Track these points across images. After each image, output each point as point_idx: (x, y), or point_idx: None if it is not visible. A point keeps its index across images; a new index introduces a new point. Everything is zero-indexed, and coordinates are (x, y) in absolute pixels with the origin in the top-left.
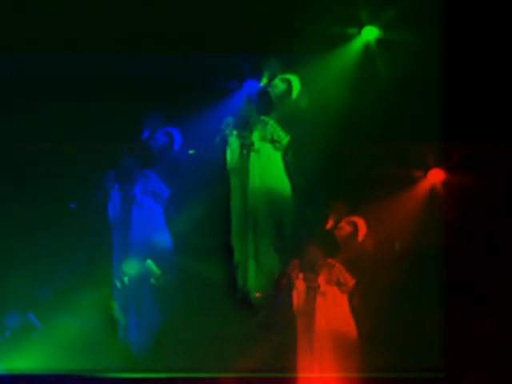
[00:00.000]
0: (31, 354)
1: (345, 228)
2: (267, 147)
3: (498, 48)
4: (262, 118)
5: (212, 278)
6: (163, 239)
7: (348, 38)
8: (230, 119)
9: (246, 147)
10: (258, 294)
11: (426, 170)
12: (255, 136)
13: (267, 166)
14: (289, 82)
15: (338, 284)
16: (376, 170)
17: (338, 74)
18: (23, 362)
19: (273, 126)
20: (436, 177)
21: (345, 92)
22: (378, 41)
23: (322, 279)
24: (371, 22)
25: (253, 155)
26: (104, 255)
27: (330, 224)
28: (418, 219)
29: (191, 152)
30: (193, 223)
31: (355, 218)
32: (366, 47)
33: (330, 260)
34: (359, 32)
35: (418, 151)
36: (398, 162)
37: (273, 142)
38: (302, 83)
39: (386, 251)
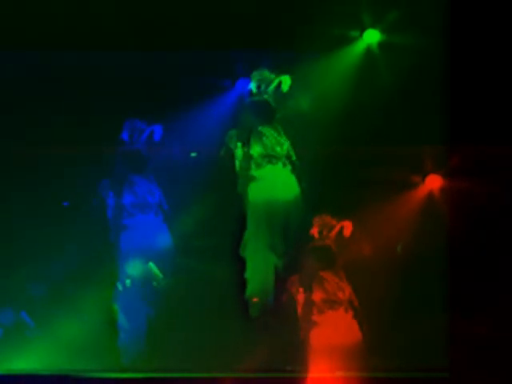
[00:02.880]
0: (25, 353)
1: (334, 236)
2: (267, 161)
3: (503, 51)
4: (260, 129)
5: (214, 279)
6: (163, 242)
7: (350, 41)
8: (233, 132)
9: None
10: (255, 299)
11: (429, 174)
12: (255, 150)
13: (271, 178)
14: (279, 81)
15: (333, 300)
16: (377, 174)
17: (339, 77)
18: (20, 361)
19: (268, 139)
20: (439, 181)
21: (346, 94)
22: (380, 44)
23: (318, 293)
24: (373, 25)
25: (256, 170)
26: (101, 257)
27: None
28: (422, 223)
29: (193, 155)
30: (194, 225)
31: (342, 223)
32: (368, 50)
33: (323, 273)
34: (361, 35)
35: (421, 155)
36: (401, 165)
37: (270, 156)
38: (304, 85)
39: (389, 254)
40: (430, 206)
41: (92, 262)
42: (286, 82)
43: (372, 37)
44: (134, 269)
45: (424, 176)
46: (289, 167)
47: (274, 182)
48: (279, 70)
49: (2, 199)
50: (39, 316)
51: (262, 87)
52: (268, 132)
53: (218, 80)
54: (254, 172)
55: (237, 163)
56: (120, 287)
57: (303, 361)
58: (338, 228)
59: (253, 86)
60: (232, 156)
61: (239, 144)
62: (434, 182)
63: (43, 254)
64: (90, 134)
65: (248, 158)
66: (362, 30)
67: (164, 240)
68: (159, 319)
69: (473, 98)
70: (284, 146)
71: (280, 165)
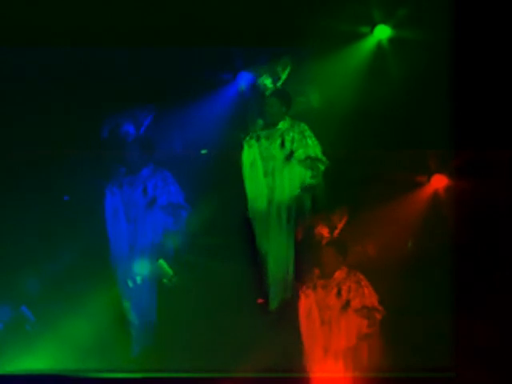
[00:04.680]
0: (26, 352)
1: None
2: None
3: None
4: (302, 127)
5: (224, 277)
6: (171, 238)
7: (360, 37)
8: (260, 121)
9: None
10: (260, 300)
11: (435, 174)
12: (301, 151)
13: (293, 170)
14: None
15: (341, 299)
16: (383, 174)
17: (349, 73)
18: (20, 360)
19: (312, 140)
20: (445, 181)
21: (355, 90)
22: (391, 40)
23: (326, 292)
24: (384, 21)
25: (279, 160)
26: (105, 253)
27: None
28: (428, 223)
29: (203, 152)
30: (205, 222)
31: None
32: (379, 46)
33: (331, 272)
34: (372, 31)
35: (426, 155)
36: (407, 165)
37: (314, 159)
38: (314, 81)
39: (395, 253)
40: (436, 207)
41: (95, 259)
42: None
43: (383, 32)
44: (143, 266)
45: (430, 176)
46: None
47: (297, 179)
48: (288, 66)
49: (1, 195)
50: (41, 314)
51: (275, 81)
52: (306, 134)
53: (218, 73)
54: (284, 167)
55: (249, 151)
56: (131, 284)
57: (310, 360)
58: (346, 227)
59: (267, 80)
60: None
61: (262, 133)
62: (439, 183)
63: (46, 250)
64: (90, 130)
65: (288, 156)
66: (373, 25)
67: (172, 236)
68: (167, 317)
69: (478, 99)
70: (318, 148)
71: (317, 166)
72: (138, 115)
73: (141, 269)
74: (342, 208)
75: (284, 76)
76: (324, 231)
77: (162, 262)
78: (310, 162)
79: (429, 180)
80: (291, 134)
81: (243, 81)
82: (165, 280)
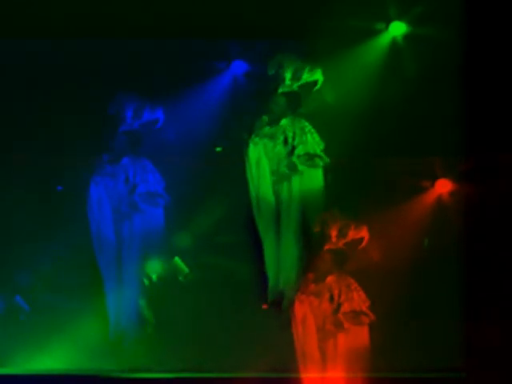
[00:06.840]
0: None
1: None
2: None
3: None
4: (302, 123)
5: (234, 275)
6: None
7: (375, 33)
8: (264, 118)
9: (278, 147)
10: (264, 306)
11: (443, 179)
12: (300, 147)
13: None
14: (314, 73)
15: (349, 304)
16: (392, 180)
17: (363, 69)
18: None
19: (312, 137)
20: (454, 186)
21: (369, 87)
22: (406, 37)
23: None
24: (399, 18)
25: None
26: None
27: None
28: (437, 226)
29: (218, 149)
30: (214, 220)
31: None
32: (393, 43)
33: (336, 274)
34: (387, 27)
35: (435, 159)
36: (415, 170)
37: (313, 156)
38: (328, 78)
39: (404, 256)
40: (445, 211)
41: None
42: (319, 80)
43: (398, 29)
44: (157, 264)
45: (437, 181)
46: (320, 167)
47: (305, 180)
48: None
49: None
50: (35, 304)
51: (295, 78)
52: (307, 131)
53: (212, 62)
54: (291, 168)
55: (254, 148)
56: (146, 282)
57: (318, 361)
58: (353, 230)
59: (287, 75)
60: (256, 144)
61: (265, 130)
62: (447, 187)
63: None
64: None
65: (289, 153)
66: (388, 22)
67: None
68: (174, 316)
69: (490, 101)
70: (321, 145)
71: (316, 163)
72: (139, 107)
73: (155, 266)
74: (358, 220)
75: (305, 80)
76: (331, 236)
77: (177, 259)
78: (308, 157)
79: (435, 185)
80: (292, 130)
81: (239, 70)
82: (180, 277)
